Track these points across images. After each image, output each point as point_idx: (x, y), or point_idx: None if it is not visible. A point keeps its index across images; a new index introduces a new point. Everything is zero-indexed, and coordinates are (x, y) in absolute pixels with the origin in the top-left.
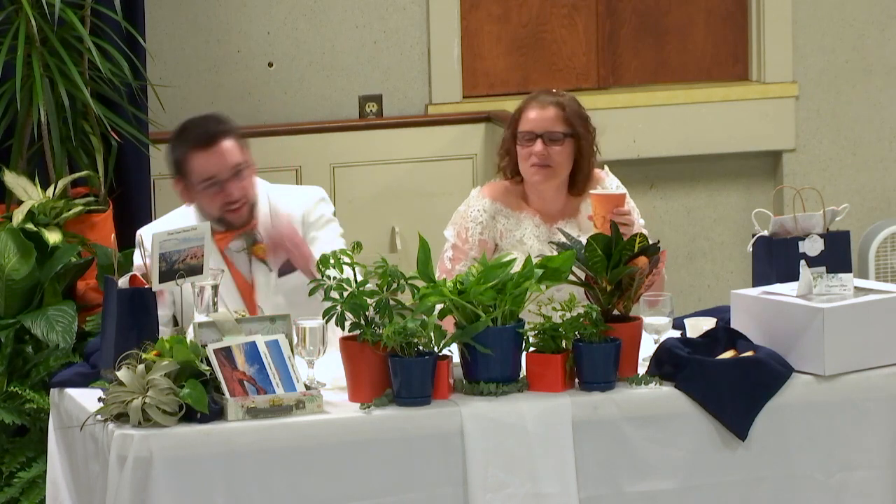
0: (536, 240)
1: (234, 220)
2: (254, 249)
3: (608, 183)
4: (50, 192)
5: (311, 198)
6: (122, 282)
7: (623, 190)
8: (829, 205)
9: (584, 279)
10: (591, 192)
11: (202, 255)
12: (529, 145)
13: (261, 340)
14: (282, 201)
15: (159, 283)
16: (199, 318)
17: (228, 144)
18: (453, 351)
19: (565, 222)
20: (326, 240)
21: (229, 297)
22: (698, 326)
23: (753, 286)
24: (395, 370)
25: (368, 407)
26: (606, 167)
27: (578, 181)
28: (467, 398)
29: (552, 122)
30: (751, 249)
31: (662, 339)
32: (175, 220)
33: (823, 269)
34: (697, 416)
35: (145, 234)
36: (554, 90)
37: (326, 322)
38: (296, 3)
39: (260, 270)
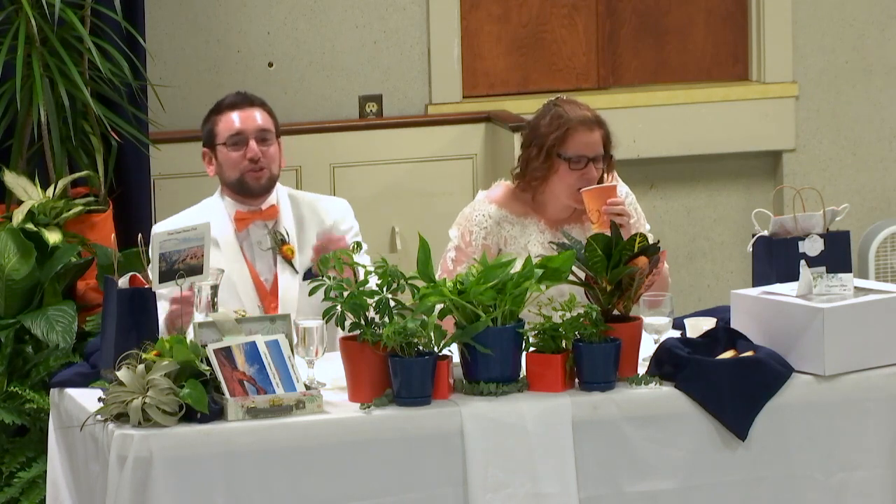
0: (541, 246)
1: (253, 184)
2: (282, 249)
3: (619, 180)
4: (50, 192)
5: (344, 207)
6: (122, 282)
7: (630, 197)
8: (829, 205)
9: (584, 279)
10: (583, 189)
11: (202, 255)
12: (580, 169)
13: (261, 340)
14: (309, 202)
15: (159, 283)
16: (199, 318)
17: (260, 112)
18: (453, 351)
19: (571, 227)
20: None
21: (246, 295)
22: (698, 326)
23: (753, 286)
24: (395, 370)
25: (368, 407)
26: (615, 172)
27: None
28: (467, 398)
29: (600, 146)
30: (751, 249)
31: (662, 339)
32: (190, 218)
33: (823, 269)
34: (697, 416)
35: (159, 230)
36: (565, 97)
37: (326, 322)
38: (296, 3)
39: (285, 271)
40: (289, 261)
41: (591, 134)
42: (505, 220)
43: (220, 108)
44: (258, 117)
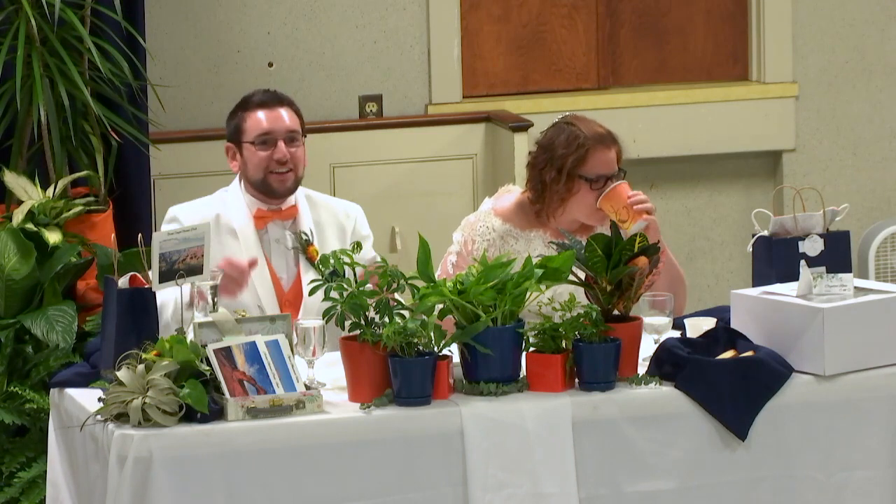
0: None
1: (276, 186)
2: (308, 250)
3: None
4: (50, 192)
5: (360, 212)
6: (122, 282)
7: None
8: (829, 205)
9: (584, 279)
10: (599, 200)
11: (202, 255)
12: (599, 188)
13: (261, 340)
14: (326, 204)
15: (159, 283)
16: (199, 318)
17: (288, 112)
18: (453, 351)
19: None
20: (368, 259)
21: (262, 288)
22: (698, 326)
23: (753, 286)
24: (395, 370)
25: (368, 407)
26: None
27: None
28: (467, 398)
29: (615, 163)
30: (751, 249)
31: (662, 339)
32: (207, 205)
33: (823, 269)
34: (697, 416)
35: (177, 212)
36: (570, 114)
37: (326, 322)
38: (296, 3)
39: (309, 272)
40: (313, 262)
41: (609, 152)
42: (509, 234)
43: (247, 105)
44: (287, 118)
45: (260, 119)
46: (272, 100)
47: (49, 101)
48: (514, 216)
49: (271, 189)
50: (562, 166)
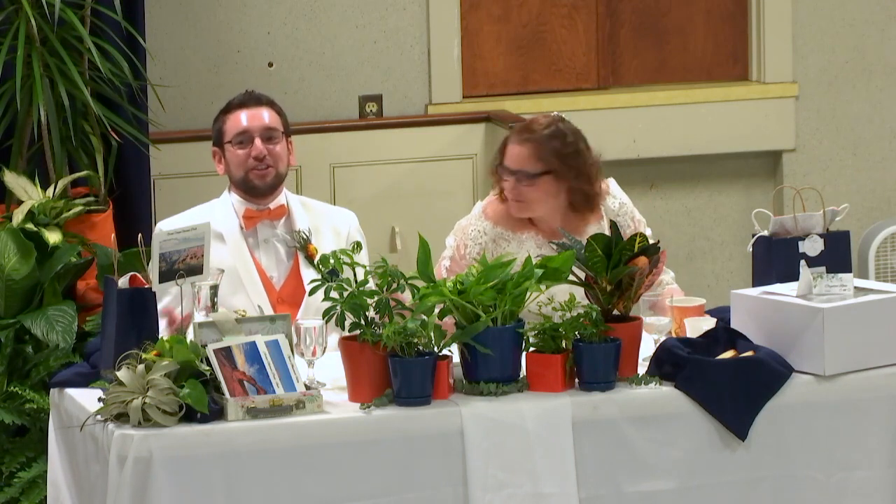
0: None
1: (258, 183)
2: (309, 248)
3: (613, 192)
4: (50, 192)
5: (354, 219)
6: (122, 282)
7: (625, 199)
8: (829, 205)
9: (584, 279)
10: (675, 303)
11: (202, 255)
12: (505, 180)
13: (261, 340)
14: (322, 211)
15: (159, 283)
16: (199, 318)
17: (267, 111)
18: (453, 351)
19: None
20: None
21: (251, 287)
22: (698, 326)
23: (753, 286)
24: (395, 370)
25: (368, 407)
26: (612, 179)
27: (577, 204)
28: (467, 398)
29: (525, 161)
30: (751, 249)
31: (662, 339)
32: (196, 216)
33: (823, 269)
34: (697, 416)
35: (165, 228)
36: (540, 118)
37: (326, 322)
38: (296, 3)
39: (309, 269)
40: (313, 260)
41: (520, 147)
42: (500, 237)
43: (228, 108)
44: (265, 116)
45: (239, 119)
46: (250, 100)
47: (49, 101)
48: (503, 219)
49: (252, 185)
50: (494, 163)
